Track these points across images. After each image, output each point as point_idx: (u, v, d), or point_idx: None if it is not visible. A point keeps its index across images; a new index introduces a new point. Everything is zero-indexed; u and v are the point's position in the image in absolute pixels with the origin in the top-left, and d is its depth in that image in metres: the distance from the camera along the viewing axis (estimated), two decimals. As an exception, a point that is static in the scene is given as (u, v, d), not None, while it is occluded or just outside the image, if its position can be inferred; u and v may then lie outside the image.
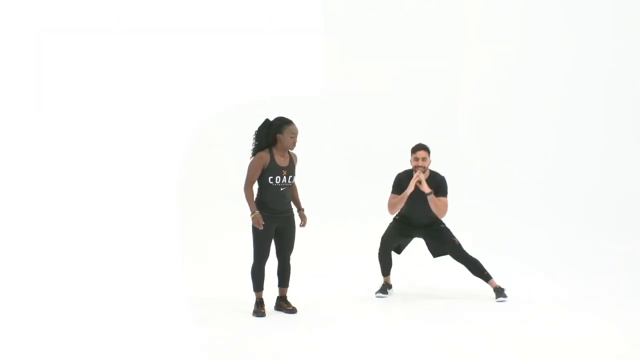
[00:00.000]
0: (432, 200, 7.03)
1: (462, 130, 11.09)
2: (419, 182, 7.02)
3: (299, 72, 11.12)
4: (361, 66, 11.33)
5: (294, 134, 6.39)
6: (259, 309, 6.47)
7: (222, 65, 10.98)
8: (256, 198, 6.45)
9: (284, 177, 6.40)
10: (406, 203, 7.10)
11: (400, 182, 7.18)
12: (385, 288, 7.24)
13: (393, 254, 7.31)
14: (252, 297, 6.57)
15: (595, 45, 11.11)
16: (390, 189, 7.20)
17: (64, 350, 5.58)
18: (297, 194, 6.66)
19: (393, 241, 7.24)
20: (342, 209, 10.37)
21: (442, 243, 7.17)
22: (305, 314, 6.52)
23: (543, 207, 10.37)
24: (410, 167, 7.18)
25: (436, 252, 7.27)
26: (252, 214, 6.33)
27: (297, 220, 6.62)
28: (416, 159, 7.09)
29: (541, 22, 11.27)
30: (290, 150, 6.53)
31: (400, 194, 7.15)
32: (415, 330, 6.11)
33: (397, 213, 7.27)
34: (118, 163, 10.64)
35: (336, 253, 9.00)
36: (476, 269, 7.14)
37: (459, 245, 7.14)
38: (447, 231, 7.18)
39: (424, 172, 7.08)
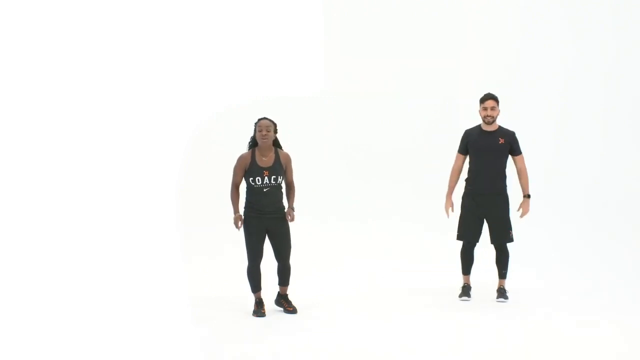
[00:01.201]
0: (527, 202, 7.07)
1: (462, 130, 11.10)
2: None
3: (298, 72, 11.11)
4: (361, 66, 11.32)
5: (262, 128, 6.38)
6: (258, 309, 6.48)
7: (222, 65, 10.98)
8: (245, 198, 6.48)
9: (265, 177, 6.36)
10: (478, 158, 6.97)
11: (468, 136, 7.06)
12: (468, 290, 7.10)
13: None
14: (252, 297, 6.58)
15: (595, 45, 11.10)
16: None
17: (64, 350, 5.58)
18: (292, 197, 6.59)
19: (472, 232, 7.06)
20: (342, 209, 10.36)
21: (502, 232, 7.04)
22: (305, 314, 6.52)
23: (543, 207, 10.37)
24: (479, 119, 7.08)
25: (494, 240, 7.11)
26: (234, 215, 6.37)
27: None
28: (485, 109, 6.96)
29: (541, 22, 11.26)
30: (280, 150, 6.51)
31: (464, 154, 7.07)
32: (417, 331, 6.11)
33: (466, 179, 7.12)
34: (118, 163, 10.62)
35: (336, 253, 9.00)
36: (502, 261, 7.12)
37: (509, 240, 7.10)
38: (508, 217, 7.07)
39: (492, 122, 6.96)
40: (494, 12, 11.29)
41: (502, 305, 6.87)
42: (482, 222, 7.12)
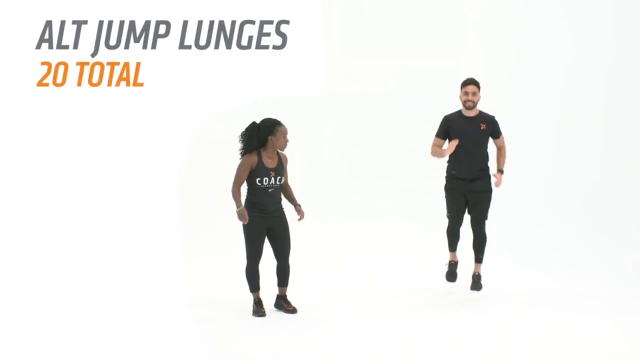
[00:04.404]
0: (500, 175, 6.93)
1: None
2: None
3: (299, 72, 11.10)
4: (361, 66, 11.32)
5: (286, 134, 6.43)
6: (258, 309, 6.48)
7: (222, 65, 10.98)
8: (246, 198, 6.47)
9: (272, 178, 6.41)
10: (459, 144, 6.92)
11: (448, 122, 7.02)
12: (454, 269, 7.05)
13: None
14: (252, 297, 6.57)
15: (595, 45, 11.11)
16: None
17: (64, 350, 5.58)
18: (291, 192, 6.66)
19: (459, 210, 7.03)
20: (342, 209, 10.36)
21: (479, 210, 7.05)
22: (305, 314, 6.52)
23: (543, 207, 10.37)
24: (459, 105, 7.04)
25: (470, 212, 7.11)
26: (237, 209, 6.34)
27: (290, 218, 6.60)
28: (466, 94, 6.90)
29: (541, 22, 11.27)
30: (280, 151, 6.54)
31: (444, 139, 7.04)
32: (417, 331, 6.11)
33: (448, 163, 7.10)
34: (118, 163, 10.64)
35: (336, 253, 8.99)
36: (479, 245, 7.14)
37: (485, 218, 7.10)
38: (489, 201, 7.06)
39: (473, 107, 6.92)
40: (494, 12, 11.29)
41: (502, 305, 6.86)
42: (466, 200, 7.08)
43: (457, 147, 6.96)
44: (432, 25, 11.26)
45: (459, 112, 7.05)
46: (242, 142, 6.44)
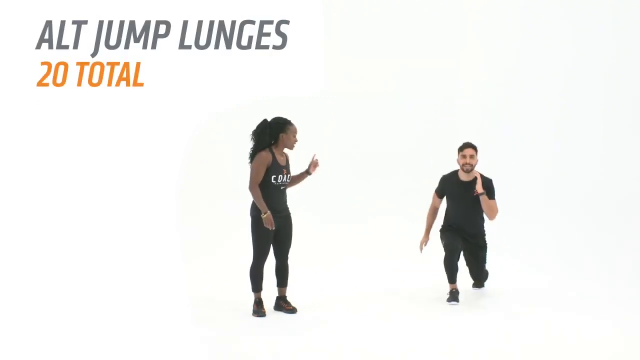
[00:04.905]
0: (484, 200, 6.88)
1: (462, 130, 11.07)
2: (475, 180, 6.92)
3: (299, 72, 11.10)
4: (361, 66, 11.32)
5: (296, 134, 6.48)
6: (259, 309, 6.48)
7: (222, 65, 10.98)
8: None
9: (284, 175, 6.46)
10: (454, 207, 7.02)
11: (444, 183, 7.09)
12: (456, 295, 6.92)
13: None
14: (251, 298, 6.57)
15: (595, 45, 11.11)
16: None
17: (64, 350, 5.58)
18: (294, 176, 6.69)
19: (457, 242, 6.97)
20: (343, 209, 10.36)
21: (476, 261, 7.15)
22: (305, 314, 6.52)
23: (543, 207, 10.38)
24: (457, 167, 7.06)
25: (467, 263, 7.23)
26: (264, 214, 6.32)
27: (294, 220, 6.62)
28: (464, 157, 6.93)
29: (541, 22, 11.27)
30: (285, 150, 6.57)
31: (440, 197, 7.12)
32: (417, 331, 6.11)
33: (444, 222, 7.15)
34: (118, 163, 10.64)
35: (337, 253, 9.00)
36: (478, 280, 7.30)
37: (484, 268, 7.23)
38: (485, 255, 7.15)
39: (470, 170, 6.93)
40: (494, 12, 11.29)
41: (502, 305, 6.86)
42: (462, 244, 7.09)
43: (452, 209, 7.07)
44: (432, 25, 11.26)
45: (456, 173, 7.07)
46: (253, 140, 6.45)
